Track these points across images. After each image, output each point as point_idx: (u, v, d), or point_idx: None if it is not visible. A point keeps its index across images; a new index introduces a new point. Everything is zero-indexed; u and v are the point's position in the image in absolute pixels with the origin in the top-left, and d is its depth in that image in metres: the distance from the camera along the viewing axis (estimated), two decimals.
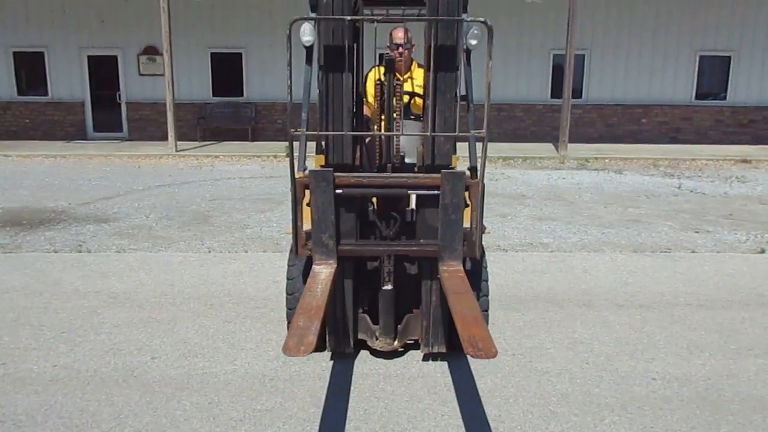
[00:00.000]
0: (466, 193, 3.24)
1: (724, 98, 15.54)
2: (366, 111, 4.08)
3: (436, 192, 3.21)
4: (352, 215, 3.31)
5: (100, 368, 3.56)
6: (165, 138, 13.59)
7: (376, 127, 3.67)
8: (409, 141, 3.74)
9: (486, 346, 2.43)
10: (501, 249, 6.15)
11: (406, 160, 3.60)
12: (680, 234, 6.86)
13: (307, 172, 3.26)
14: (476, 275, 3.55)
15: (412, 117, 4.04)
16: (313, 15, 3.32)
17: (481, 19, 2.96)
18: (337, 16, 3.14)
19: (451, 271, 3.21)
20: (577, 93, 14.77)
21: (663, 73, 15.36)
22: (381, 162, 3.48)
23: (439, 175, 3.20)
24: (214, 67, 15.34)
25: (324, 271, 3.21)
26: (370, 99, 4.24)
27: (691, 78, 15.42)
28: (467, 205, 3.27)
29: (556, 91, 14.70)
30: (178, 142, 13.47)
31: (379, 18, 3.41)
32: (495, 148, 13.15)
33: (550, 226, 7.20)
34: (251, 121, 15.25)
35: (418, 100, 4.09)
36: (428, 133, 3.27)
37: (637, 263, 5.71)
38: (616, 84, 15.42)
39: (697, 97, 15.52)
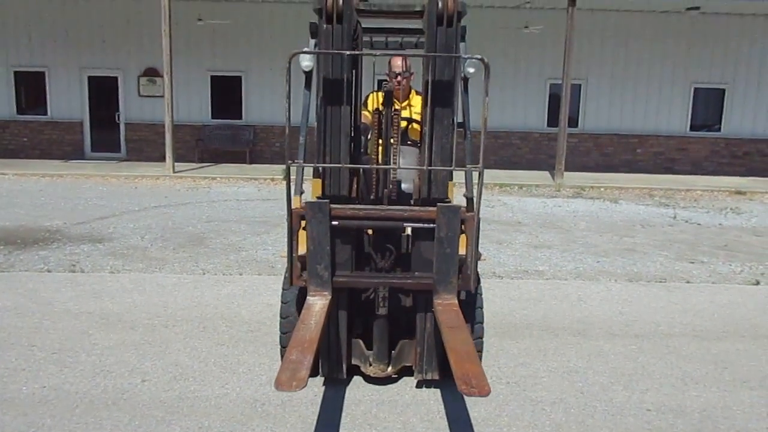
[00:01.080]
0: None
1: (719, 130, 15.71)
2: (364, 119, 4.07)
3: (431, 225, 3.23)
4: (348, 246, 3.32)
5: (90, 390, 3.51)
6: (163, 159, 13.62)
7: (373, 155, 3.68)
8: (406, 166, 3.76)
9: (479, 384, 2.43)
10: (496, 276, 6.14)
11: (403, 186, 3.61)
12: (675, 264, 6.87)
13: (303, 203, 3.28)
14: (471, 303, 3.54)
15: (409, 143, 4.07)
16: (312, 48, 3.35)
17: (478, 57, 3.01)
18: (335, 51, 3.17)
19: (446, 305, 3.21)
20: (573, 122, 14.91)
21: (658, 104, 15.54)
22: (378, 194, 3.50)
23: (434, 209, 3.22)
24: (214, 89, 15.46)
25: (318, 303, 3.21)
26: (369, 108, 4.27)
27: (686, 109, 15.60)
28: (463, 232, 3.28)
29: (553, 119, 14.84)
30: (176, 164, 13.50)
31: (378, 53, 3.45)
32: (491, 175, 13.21)
33: (545, 253, 7.20)
34: (249, 144, 15.32)
35: (416, 126, 4.12)
36: (425, 167, 3.30)
37: (632, 293, 5.71)
38: (612, 114, 15.59)
39: (692, 128, 15.69)
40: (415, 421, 3.26)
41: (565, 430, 3.21)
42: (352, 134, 3.50)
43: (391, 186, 3.48)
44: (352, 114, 3.47)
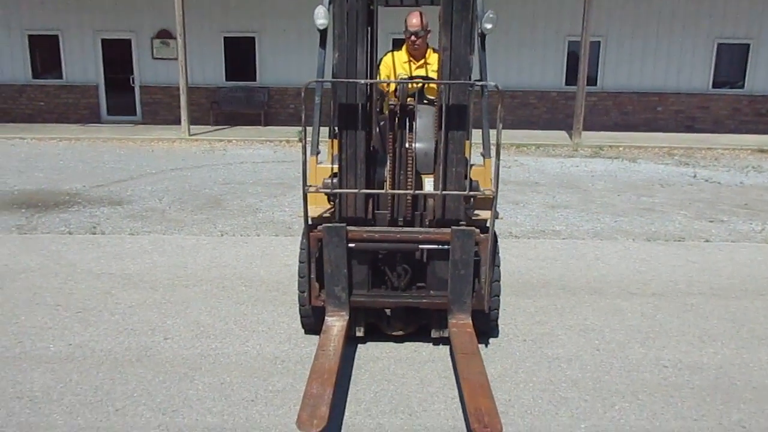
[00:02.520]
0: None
1: (742, 87, 15.32)
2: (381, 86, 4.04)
3: (446, 247, 3.30)
4: (364, 267, 3.43)
5: (114, 348, 3.60)
6: (178, 122, 13.63)
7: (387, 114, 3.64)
8: (423, 126, 3.72)
9: (492, 422, 2.50)
10: (513, 236, 6.13)
11: (418, 145, 3.56)
12: (694, 223, 6.81)
13: (321, 227, 3.35)
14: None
15: (425, 102, 4.02)
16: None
17: (492, 84, 3.08)
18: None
19: (460, 326, 3.32)
20: (592, 80, 14.60)
21: (680, 61, 15.16)
22: (393, 208, 3.53)
23: (449, 230, 3.28)
24: (227, 51, 15.34)
25: (336, 325, 3.32)
26: (384, 70, 4.23)
27: (708, 66, 15.20)
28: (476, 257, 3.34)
29: (571, 78, 14.57)
30: (191, 126, 13.50)
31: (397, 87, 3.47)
32: (508, 135, 13.01)
33: (562, 213, 7.16)
34: (264, 106, 15.25)
35: (432, 85, 4.06)
36: (439, 192, 3.34)
37: (650, 251, 5.68)
38: (632, 71, 15.24)
39: (715, 85, 15.31)
40: (432, 377, 3.31)
41: (581, 386, 3.24)
42: (368, 93, 3.46)
43: (408, 147, 3.44)
44: (368, 72, 3.43)
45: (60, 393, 3.10)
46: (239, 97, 15.26)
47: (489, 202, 3.37)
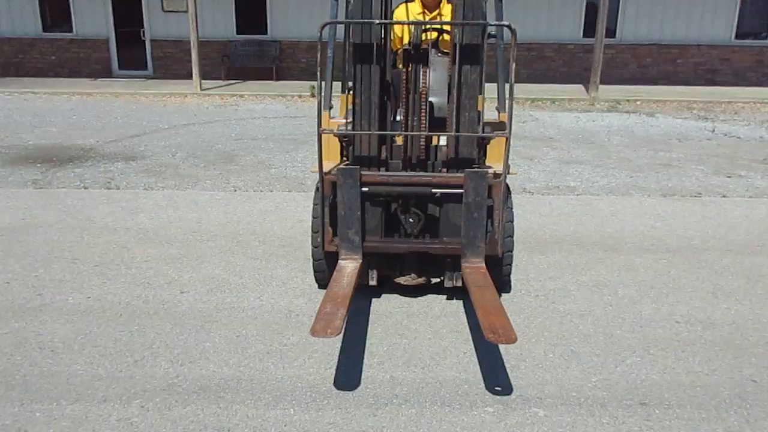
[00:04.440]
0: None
1: (766, 38, 14.86)
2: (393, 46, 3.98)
3: (459, 191, 3.27)
4: (378, 210, 3.40)
5: (132, 301, 3.66)
6: (189, 76, 13.53)
7: (401, 67, 3.58)
8: (437, 80, 3.66)
9: (506, 333, 2.54)
10: (527, 192, 6.09)
11: (432, 99, 3.52)
12: (711, 179, 6.72)
13: (335, 170, 3.33)
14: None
15: (439, 54, 3.94)
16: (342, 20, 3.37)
17: (506, 23, 3.02)
18: (365, 20, 3.17)
19: (474, 268, 3.31)
20: (610, 32, 14.22)
21: (702, 11, 14.69)
22: (406, 156, 3.49)
23: (462, 175, 3.25)
24: (238, 3, 15.07)
25: (350, 266, 3.32)
26: (396, 38, 4.15)
27: (732, 16, 14.73)
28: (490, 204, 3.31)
29: (589, 30, 14.20)
30: (203, 81, 13.40)
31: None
32: (523, 89, 12.85)
33: (577, 169, 7.09)
34: (275, 60, 15.07)
35: (447, 36, 3.98)
36: (452, 133, 3.30)
37: (666, 207, 5.63)
38: (652, 23, 14.81)
39: (738, 36, 14.86)
40: (445, 331, 3.34)
41: (592, 341, 3.26)
42: (382, 37, 3.40)
43: (421, 97, 3.40)
44: (382, 25, 3.36)
45: (80, 344, 3.17)
46: (250, 51, 15.07)
47: (502, 151, 3.34)
